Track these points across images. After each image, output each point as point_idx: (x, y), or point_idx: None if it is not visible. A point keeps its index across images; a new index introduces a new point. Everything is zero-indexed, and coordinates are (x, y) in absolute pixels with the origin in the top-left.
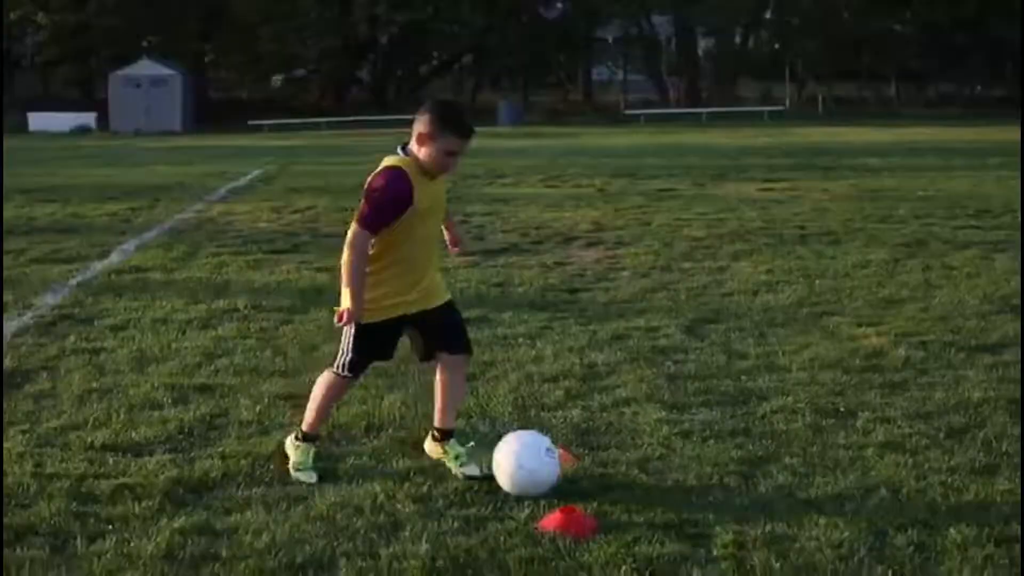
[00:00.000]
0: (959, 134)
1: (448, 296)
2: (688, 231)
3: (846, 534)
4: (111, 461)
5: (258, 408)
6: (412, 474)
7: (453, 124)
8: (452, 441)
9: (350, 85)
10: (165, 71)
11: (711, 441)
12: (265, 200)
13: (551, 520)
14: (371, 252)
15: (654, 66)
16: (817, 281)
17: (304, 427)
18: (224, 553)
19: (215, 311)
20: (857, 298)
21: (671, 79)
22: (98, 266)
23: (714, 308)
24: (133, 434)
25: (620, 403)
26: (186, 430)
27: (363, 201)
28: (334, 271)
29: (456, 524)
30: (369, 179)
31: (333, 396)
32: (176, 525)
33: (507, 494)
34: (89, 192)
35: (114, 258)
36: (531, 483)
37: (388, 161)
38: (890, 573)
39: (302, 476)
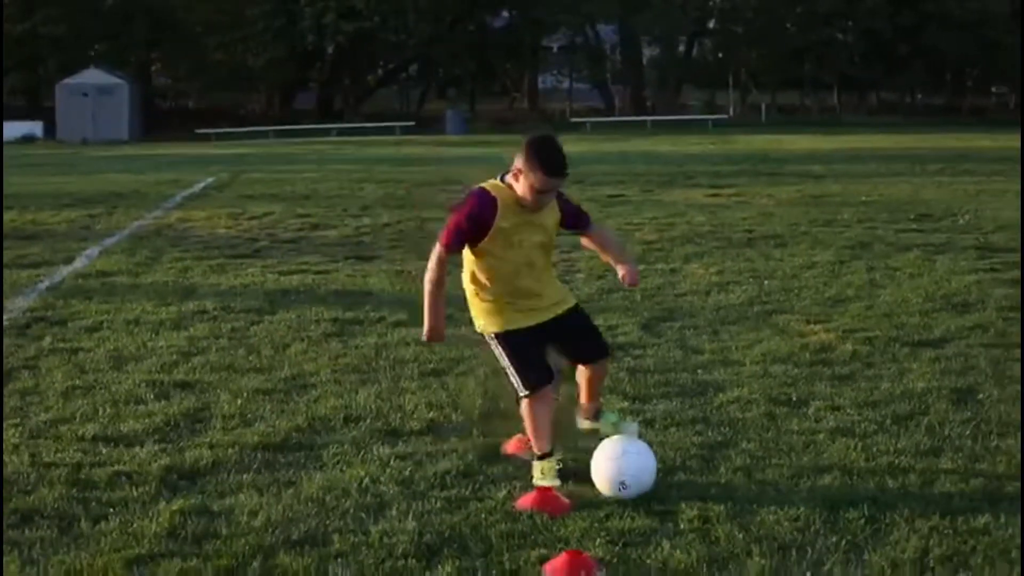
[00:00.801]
0: (900, 141)
1: (567, 307)
2: (640, 235)
3: (802, 509)
4: (104, 451)
5: (239, 402)
6: (393, 460)
7: (542, 161)
8: (604, 415)
9: (297, 94)
10: (112, 80)
11: (672, 429)
12: (221, 207)
13: (528, 499)
14: (479, 278)
15: (599, 75)
16: (766, 281)
17: (536, 450)
18: (224, 531)
19: (185, 313)
20: (805, 297)
21: (616, 87)
22: (64, 271)
23: (668, 307)
24: (122, 427)
25: None
26: (172, 423)
27: (449, 218)
28: (302, 273)
29: (439, 504)
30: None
31: (533, 417)
32: (175, 507)
33: (485, 477)
34: (45, 199)
35: (79, 263)
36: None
37: (483, 183)
38: (844, 542)
39: (546, 481)
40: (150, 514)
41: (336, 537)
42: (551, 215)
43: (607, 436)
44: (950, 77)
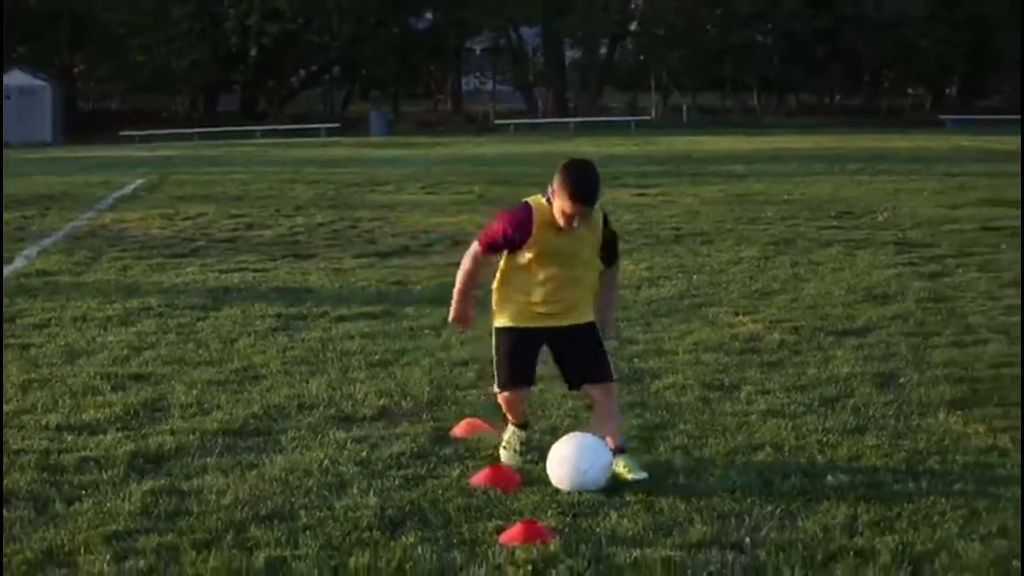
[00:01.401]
0: (819, 142)
1: (581, 321)
2: None
3: (738, 482)
4: (69, 438)
5: (194, 392)
6: (349, 443)
7: (571, 188)
8: (625, 456)
9: (220, 96)
10: (34, 82)
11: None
12: (153, 208)
13: (481, 476)
14: (509, 278)
15: (522, 77)
16: (694, 276)
17: (512, 420)
18: (195, 509)
19: (131, 309)
20: (732, 291)
21: (539, 90)
22: (5, 270)
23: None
24: (83, 416)
25: None
26: (131, 412)
27: (493, 220)
28: (241, 271)
29: (397, 482)
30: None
31: (507, 407)
32: (145, 488)
33: (438, 458)
34: None
35: (19, 263)
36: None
37: (529, 198)
38: (778, 510)
39: (505, 455)
40: (122, 495)
41: (303, 513)
42: (591, 237)
43: (618, 475)
44: (867, 79)
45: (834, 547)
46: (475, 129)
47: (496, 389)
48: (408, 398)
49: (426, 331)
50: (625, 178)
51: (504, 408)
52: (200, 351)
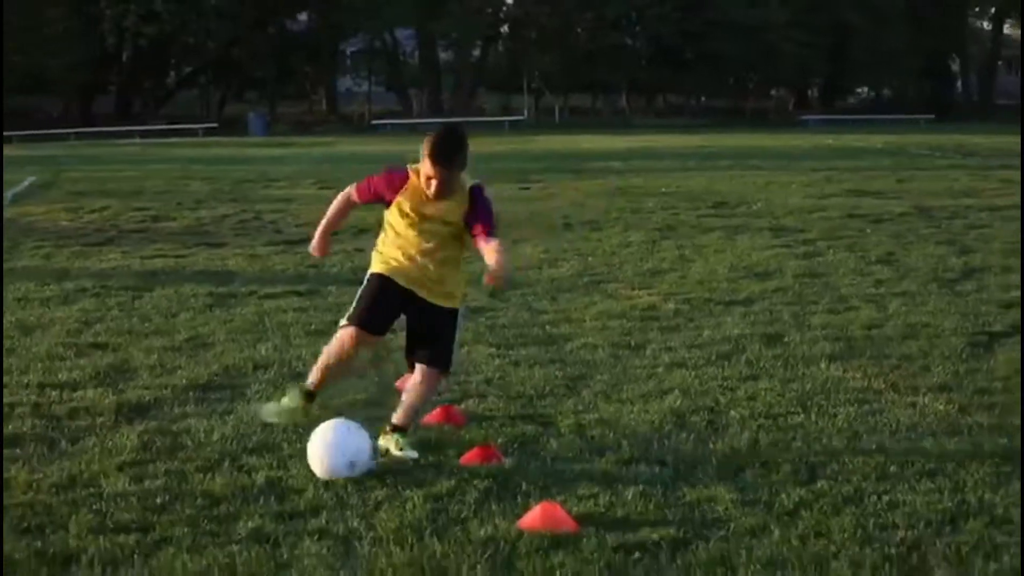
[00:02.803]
0: (689, 140)
1: (443, 304)
2: None
3: (655, 416)
4: (53, 394)
5: (153, 357)
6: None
7: (429, 147)
8: (400, 434)
9: (96, 96)
10: None
11: (536, 367)
12: (55, 203)
13: (433, 416)
14: (385, 241)
15: (397, 78)
16: (589, 258)
17: (309, 384)
18: (189, 444)
19: (68, 291)
20: (626, 270)
21: (414, 91)
22: None
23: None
24: (59, 376)
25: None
26: (102, 373)
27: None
28: (162, 258)
29: (362, 419)
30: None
31: (332, 347)
32: (139, 430)
33: (389, 405)
34: None
35: None
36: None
37: (412, 163)
38: (691, 436)
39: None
40: (120, 435)
41: (285, 445)
42: (456, 208)
43: (386, 451)
44: (733, 81)
45: (742, 461)
46: (351, 129)
47: (343, 322)
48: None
49: (350, 305)
50: (507, 173)
51: (327, 351)
52: (146, 324)
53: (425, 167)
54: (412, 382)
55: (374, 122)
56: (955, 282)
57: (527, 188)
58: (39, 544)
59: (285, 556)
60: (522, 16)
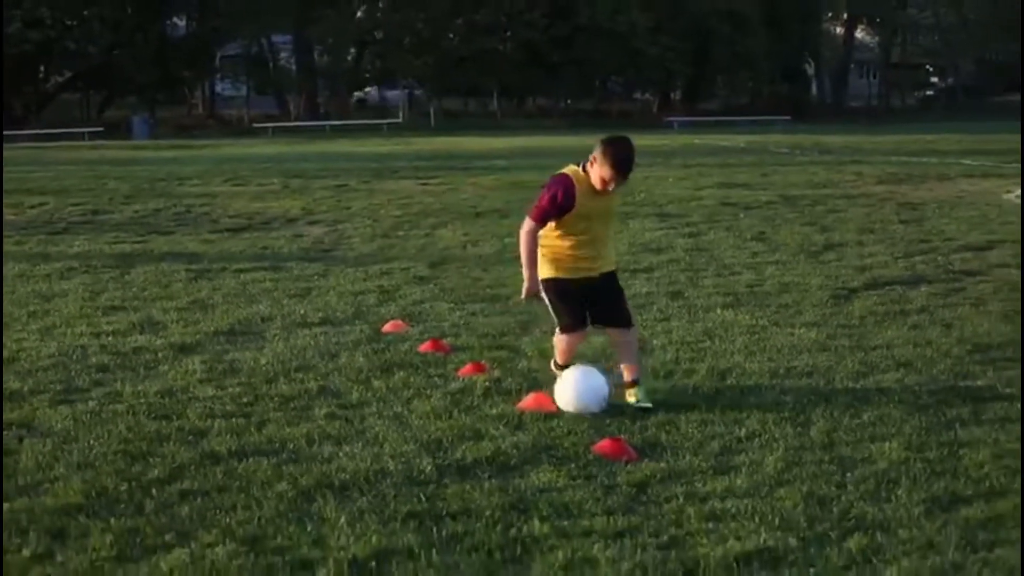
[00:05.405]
0: (562, 140)
1: (611, 269)
2: (385, 212)
3: (596, 346)
4: (108, 339)
5: (171, 314)
6: (317, 335)
7: (614, 159)
8: (638, 387)
9: None
10: None
11: (491, 316)
12: None
13: (425, 347)
14: (552, 240)
15: (275, 82)
16: (504, 239)
17: (559, 362)
18: (244, 368)
19: (60, 269)
20: None
21: (291, 95)
22: None
23: (440, 256)
24: (104, 327)
25: (418, 302)
26: (137, 325)
27: (539, 196)
28: (124, 244)
29: (368, 352)
30: (549, 178)
31: (563, 347)
32: (198, 360)
33: (384, 342)
34: None
35: None
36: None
37: (566, 168)
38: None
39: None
40: (184, 363)
41: (320, 365)
42: (617, 197)
43: (629, 402)
44: (599, 83)
45: (671, 369)
46: (231, 132)
47: (558, 332)
48: (338, 312)
49: (316, 276)
50: (403, 171)
51: (559, 350)
52: (146, 292)
53: (606, 174)
54: (616, 348)
55: (255, 125)
56: (819, 253)
57: (427, 184)
58: (176, 423)
59: (359, 425)
60: (396, 22)
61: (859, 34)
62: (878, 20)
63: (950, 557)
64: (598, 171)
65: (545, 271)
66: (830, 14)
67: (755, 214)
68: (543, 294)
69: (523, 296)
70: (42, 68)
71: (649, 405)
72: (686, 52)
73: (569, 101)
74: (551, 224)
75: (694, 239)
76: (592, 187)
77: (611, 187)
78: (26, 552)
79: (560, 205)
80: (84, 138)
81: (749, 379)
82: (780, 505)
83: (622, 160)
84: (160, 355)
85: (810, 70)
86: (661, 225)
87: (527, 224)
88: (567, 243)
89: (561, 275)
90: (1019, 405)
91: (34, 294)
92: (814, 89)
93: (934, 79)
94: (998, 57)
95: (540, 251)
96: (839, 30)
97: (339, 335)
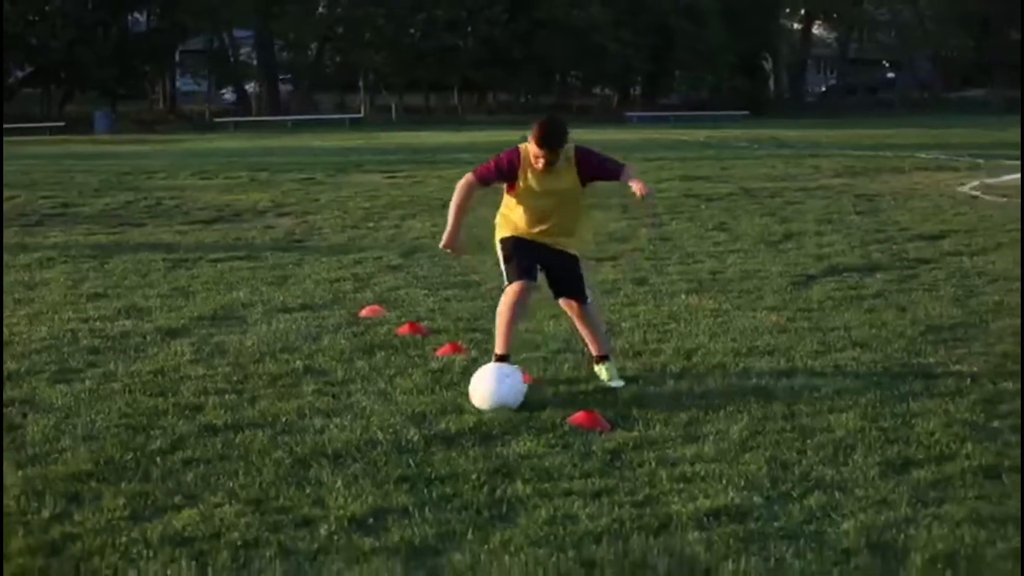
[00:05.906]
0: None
1: (572, 252)
2: (354, 204)
3: (565, 327)
4: (96, 324)
5: (154, 300)
6: (299, 320)
7: (536, 135)
8: (606, 363)
9: None
10: None
11: (465, 301)
12: None
13: (402, 329)
14: (508, 212)
15: (236, 77)
16: (474, 229)
17: (497, 350)
18: (230, 349)
19: (40, 259)
20: None
21: (252, 90)
22: None
23: (412, 246)
24: (90, 312)
25: (393, 288)
26: (122, 311)
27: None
28: (98, 235)
29: (350, 334)
30: None
31: (506, 308)
32: (185, 342)
33: (363, 325)
34: None
35: None
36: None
37: (521, 143)
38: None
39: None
40: (168, 348)
41: (304, 347)
42: (567, 175)
43: (600, 378)
44: (558, 79)
45: (638, 349)
46: (193, 127)
47: (505, 284)
48: (316, 298)
49: (291, 265)
50: (368, 166)
51: (505, 307)
52: (127, 280)
53: (533, 148)
54: (578, 324)
55: (217, 120)
56: (778, 243)
57: (393, 177)
58: (171, 399)
59: (346, 400)
60: (357, 17)
61: (816, 29)
62: (835, 16)
63: (902, 512)
64: (532, 147)
65: (501, 232)
66: (788, 10)
67: (716, 205)
68: (498, 252)
69: (441, 245)
70: (6, 63)
71: (621, 383)
72: (645, 47)
73: (529, 96)
74: (510, 200)
75: (658, 229)
76: (535, 162)
77: (540, 163)
78: (45, 513)
79: (503, 171)
80: (47, 133)
81: (714, 358)
82: (745, 468)
83: (545, 136)
84: (148, 338)
85: (768, 65)
86: (624, 216)
87: (466, 177)
88: (523, 214)
89: (514, 234)
90: (969, 380)
91: (17, 283)
92: (771, 85)
93: (890, 75)
94: (953, 53)
95: (500, 219)
96: (796, 25)
97: (319, 319)
